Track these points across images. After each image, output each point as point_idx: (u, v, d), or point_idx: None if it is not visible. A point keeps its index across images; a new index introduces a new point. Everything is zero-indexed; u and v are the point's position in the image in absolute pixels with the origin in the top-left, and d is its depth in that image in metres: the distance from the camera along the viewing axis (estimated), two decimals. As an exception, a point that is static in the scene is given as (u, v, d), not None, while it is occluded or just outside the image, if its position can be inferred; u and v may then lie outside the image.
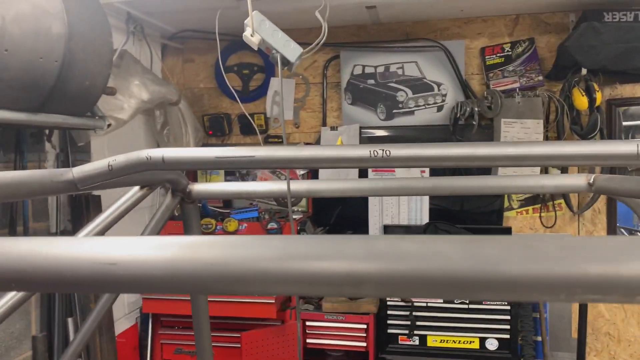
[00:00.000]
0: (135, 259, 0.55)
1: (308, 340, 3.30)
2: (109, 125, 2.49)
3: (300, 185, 1.72)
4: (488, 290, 0.47)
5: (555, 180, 1.62)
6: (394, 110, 3.71)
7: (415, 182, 1.70)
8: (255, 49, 1.69)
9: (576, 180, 1.57)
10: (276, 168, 1.59)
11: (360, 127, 3.76)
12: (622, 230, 3.54)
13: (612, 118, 3.31)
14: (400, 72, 3.70)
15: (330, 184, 1.71)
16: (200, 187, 1.73)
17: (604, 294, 0.46)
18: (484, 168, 3.36)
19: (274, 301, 3.12)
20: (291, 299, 3.36)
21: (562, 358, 3.53)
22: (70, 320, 2.83)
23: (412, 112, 3.68)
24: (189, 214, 1.74)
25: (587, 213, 3.43)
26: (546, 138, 3.34)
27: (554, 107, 3.35)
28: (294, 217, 3.51)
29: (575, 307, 3.39)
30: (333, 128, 3.81)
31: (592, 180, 1.54)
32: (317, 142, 3.84)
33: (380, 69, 3.73)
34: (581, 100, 3.15)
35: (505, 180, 1.82)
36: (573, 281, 0.45)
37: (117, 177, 1.23)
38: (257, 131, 3.77)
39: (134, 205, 1.46)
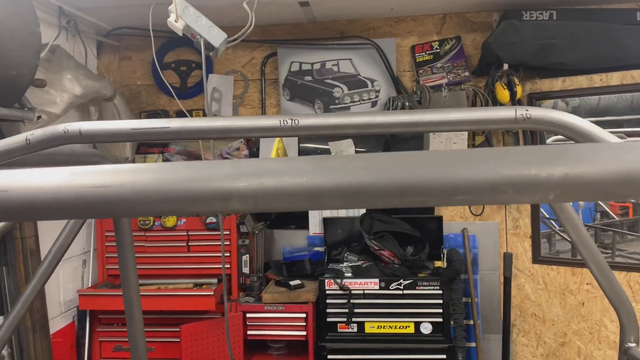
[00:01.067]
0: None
1: (249, 332, 3.34)
2: (39, 118, 2.47)
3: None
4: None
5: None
6: (331, 106, 3.81)
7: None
8: (180, 34, 1.74)
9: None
10: (190, 139, 1.62)
11: (299, 123, 3.83)
12: (546, 221, 3.77)
13: (532, 111, 3.52)
14: (335, 69, 3.81)
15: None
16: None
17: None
18: (418, 146, 3.53)
19: (212, 293, 3.14)
20: (232, 292, 3.40)
21: (493, 339, 3.71)
22: (1, 319, 2.77)
23: (348, 108, 3.80)
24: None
25: (512, 201, 3.63)
26: (472, 131, 3.53)
27: (478, 101, 3.54)
28: (234, 211, 3.54)
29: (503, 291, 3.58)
30: (272, 124, 3.87)
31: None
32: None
33: (317, 66, 3.83)
34: (503, 94, 3.35)
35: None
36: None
37: (37, 150, 1.25)
38: (196, 128, 3.78)
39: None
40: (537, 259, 3.63)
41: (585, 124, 1.13)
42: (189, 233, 3.42)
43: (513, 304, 3.52)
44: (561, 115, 1.15)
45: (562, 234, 3.95)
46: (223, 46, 1.75)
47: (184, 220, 3.44)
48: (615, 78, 3.28)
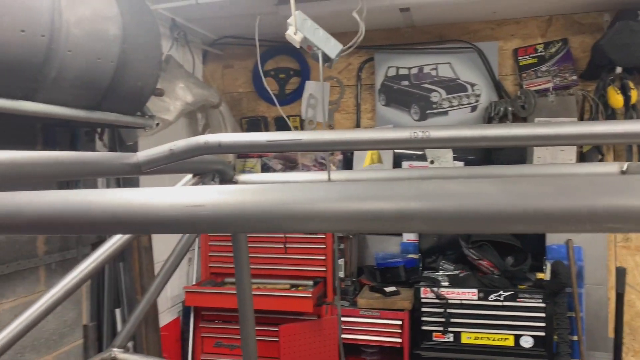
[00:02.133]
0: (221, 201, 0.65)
1: (343, 336, 3.37)
2: (157, 125, 2.64)
3: (340, 175, 1.82)
4: (520, 222, 0.55)
5: (587, 168, 1.67)
6: (428, 111, 3.77)
7: (448, 172, 1.77)
8: (298, 46, 1.80)
9: (609, 168, 1.62)
10: (321, 150, 1.68)
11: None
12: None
13: (648, 116, 3.30)
14: (434, 73, 3.77)
15: (368, 173, 1.81)
16: (245, 177, 1.85)
17: (622, 223, 0.54)
18: (519, 153, 3.41)
19: (310, 295, 3.21)
20: (327, 294, 3.45)
21: (599, 358, 3.51)
22: (117, 311, 2.98)
23: (446, 113, 3.74)
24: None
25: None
26: (581, 136, 3.36)
27: (588, 106, 3.37)
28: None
29: (612, 307, 3.37)
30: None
31: (625, 167, 1.58)
32: (352, 143, 3.92)
33: (414, 71, 3.80)
34: (616, 99, 3.16)
35: (537, 169, 1.88)
36: (598, 212, 0.53)
37: (178, 160, 1.34)
38: (294, 133, 3.88)
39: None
40: (650, 274, 3.39)
41: None
42: (287, 235, 3.51)
43: (623, 321, 3.30)
44: None
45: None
46: (339, 57, 1.80)
47: (282, 223, 3.53)
48: None
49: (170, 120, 2.95)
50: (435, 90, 3.74)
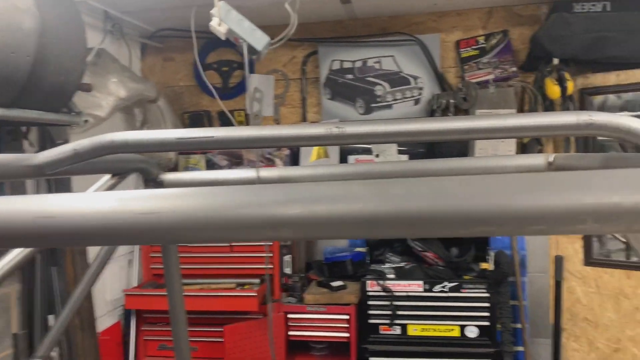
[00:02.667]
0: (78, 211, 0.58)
1: (290, 333, 3.33)
2: (86, 121, 2.51)
3: (271, 173, 1.75)
4: (391, 227, 0.51)
5: (515, 161, 1.67)
6: (372, 105, 3.75)
7: (390, 166, 1.74)
8: (223, 38, 1.72)
9: (536, 159, 1.62)
10: (235, 148, 1.61)
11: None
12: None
13: (584, 106, 3.37)
14: (377, 66, 3.75)
15: (301, 170, 1.76)
16: (171, 176, 1.76)
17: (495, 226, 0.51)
18: (462, 144, 3.42)
19: (256, 294, 3.15)
20: (274, 292, 3.40)
21: (541, 344, 3.59)
22: (51, 318, 2.84)
23: (390, 106, 3.73)
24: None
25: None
26: (520, 128, 3.41)
27: (527, 98, 3.42)
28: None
29: (554, 294, 3.45)
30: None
31: (552, 159, 1.59)
32: (298, 137, 3.87)
33: (358, 64, 3.77)
34: (553, 90, 3.21)
35: (468, 162, 1.87)
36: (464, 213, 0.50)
37: (84, 160, 1.25)
38: (238, 128, 3.80)
39: (104, 192, 1.49)
40: (589, 261, 3.48)
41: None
42: (232, 233, 3.43)
43: (563, 308, 3.39)
44: (629, 121, 1.06)
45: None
46: (266, 49, 1.73)
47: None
48: (675, 71, 3.10)
49: (102, 117, 2.82)
50: (379, 84, 3.73)
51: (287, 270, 3.40)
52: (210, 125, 3.99)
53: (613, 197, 0.50)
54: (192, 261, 3.41)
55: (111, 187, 1.56)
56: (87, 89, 2.46)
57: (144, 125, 3.49)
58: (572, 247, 3.53)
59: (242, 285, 3.46)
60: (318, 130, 1.16)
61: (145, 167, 1.67)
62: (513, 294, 3.49)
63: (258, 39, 1.69)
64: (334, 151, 3.80)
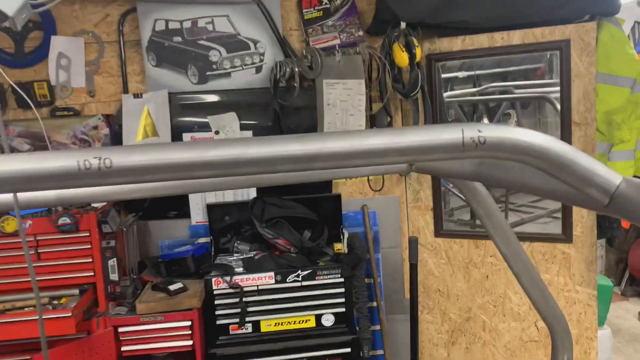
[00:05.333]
0: None
1: (124, 349, 2.82)
2: None
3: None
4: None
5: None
6: (208, 72, 3.25)
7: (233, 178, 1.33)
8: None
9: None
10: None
11: (170, 93, 3.24)
12: (447, 187, 3.56)
13: (432, 74, 3.21)
14: (210, 27, 3.23)
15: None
16: None
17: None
18: (311, 117, 3.10)
19: (70, 314, 2.56)
20: (98, 304, 2.83)
21: (398, 320, 3.51)
22: None
23: (228, 74, 3.26)
24: None
25: (413, 173, 3.36)
26: (369, 98, 3.16)
27: (375, 65, 3.16)
28: (96, 206, 2.94)
29: (407, 269, 3.35)
30: (137, 95, 3.24)
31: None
32: (119, 112, 3.24)
33: (187, 24, 3.22)
34: (402, 57, 2.98)
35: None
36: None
37: None
38: (40, 103, 3.09)
39: None
40: (439, 232, 3.42)
41: (564, 151, 0.75)
42: (38, 238, 2.77)
43: (418, 285, 3.30)
44: (529, 136, 0.75)
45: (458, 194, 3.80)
46: (24, 13, 1.17)
47: (29, 222, 2.77)
48: (516, 37, 3.03)
49: None
50: (213, 48, 3.22)
51: (114, 276, 2.84)
52: (3, 99, 3.18)
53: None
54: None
55: None
56: None
57: None
58: (422, 219, 3.44)
59: (58, 298, 2.84)
60: (65, 162, 0.68)
61: None
62: (367, 272, 3.33)
63: (8, 1, 1.12)
64: (165, 128, 3.26)
